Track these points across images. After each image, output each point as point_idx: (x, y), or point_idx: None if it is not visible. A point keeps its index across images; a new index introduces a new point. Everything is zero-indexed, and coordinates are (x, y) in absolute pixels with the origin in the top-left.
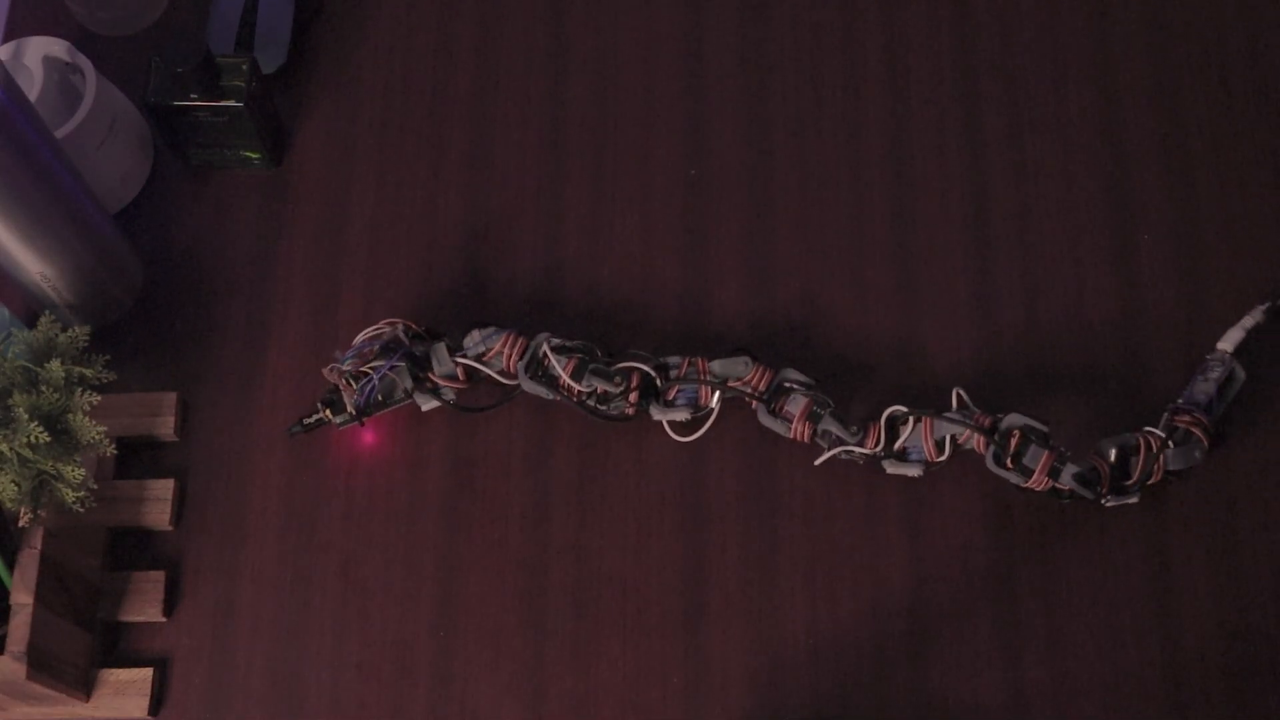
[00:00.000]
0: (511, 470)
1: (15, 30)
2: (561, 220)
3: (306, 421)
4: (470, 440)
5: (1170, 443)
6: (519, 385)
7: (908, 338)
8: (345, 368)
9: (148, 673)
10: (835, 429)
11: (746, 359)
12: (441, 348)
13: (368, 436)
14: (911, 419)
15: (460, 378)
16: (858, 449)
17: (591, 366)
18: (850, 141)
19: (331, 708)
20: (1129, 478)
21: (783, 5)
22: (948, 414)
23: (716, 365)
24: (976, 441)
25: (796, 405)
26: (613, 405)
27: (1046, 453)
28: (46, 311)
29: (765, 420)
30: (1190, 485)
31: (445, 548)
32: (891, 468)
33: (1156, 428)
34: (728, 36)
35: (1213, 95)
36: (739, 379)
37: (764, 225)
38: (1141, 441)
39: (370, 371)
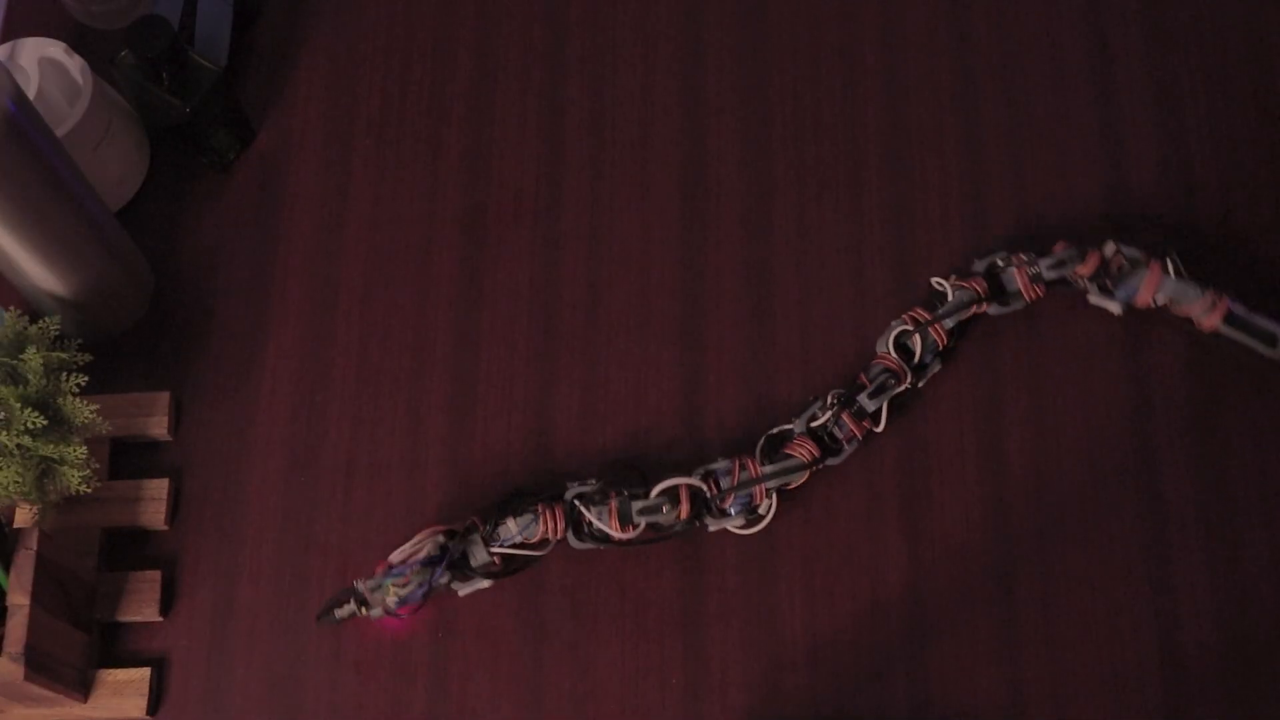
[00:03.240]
0: (510, 471)
1: (10, 30)
2: (559, 220)
3: (339, 614)
4: (469, 442)
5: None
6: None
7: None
8: (388, 586)
9: (145, 673)
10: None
11: (798, 458)
12: (477, 542)
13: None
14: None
15: (496, 564)
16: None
17: (637, 507)
18: (850, 140)
19: (329, 708)
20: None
21: (782, 4)
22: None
23: (769, 468)
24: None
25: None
26: (670, 529)
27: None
28: (46, 317)
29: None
30: (1187, 482)
31: None
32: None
33: None
34: (726, 36)
35: (1213, 95)
36: (793, 481)
37: (763, 225)
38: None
39: (411, 580)
